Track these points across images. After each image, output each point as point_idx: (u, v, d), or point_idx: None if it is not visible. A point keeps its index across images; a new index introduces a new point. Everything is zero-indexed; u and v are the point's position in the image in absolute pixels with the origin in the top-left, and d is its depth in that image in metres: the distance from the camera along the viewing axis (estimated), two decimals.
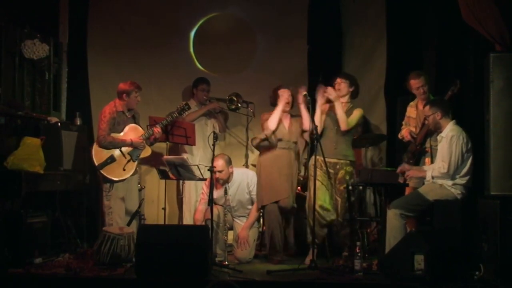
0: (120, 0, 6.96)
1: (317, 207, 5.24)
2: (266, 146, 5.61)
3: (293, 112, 5.68)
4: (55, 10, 6.74)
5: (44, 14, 6.57)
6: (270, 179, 5.51)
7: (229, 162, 5.48)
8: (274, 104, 5.62)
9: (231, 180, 5.53)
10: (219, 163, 5.39)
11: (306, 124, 5.47)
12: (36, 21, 6.30)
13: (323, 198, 5.34)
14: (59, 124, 5.89)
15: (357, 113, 5.47)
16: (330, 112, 5.52)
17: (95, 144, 5.63)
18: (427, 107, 5.04)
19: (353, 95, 5.55)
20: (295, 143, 5.60)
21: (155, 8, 6.92)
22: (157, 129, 5.68)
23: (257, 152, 6.49)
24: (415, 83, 5.47)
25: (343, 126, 5.38)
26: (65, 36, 6.79)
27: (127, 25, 6.89)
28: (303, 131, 5.56)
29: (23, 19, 6.15)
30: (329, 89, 5.39)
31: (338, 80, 5.51)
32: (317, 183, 5.29)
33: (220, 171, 5.39)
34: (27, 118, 5.68)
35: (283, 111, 5.56)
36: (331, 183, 5.38)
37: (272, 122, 5.50)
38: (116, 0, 6.96)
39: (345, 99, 5.53)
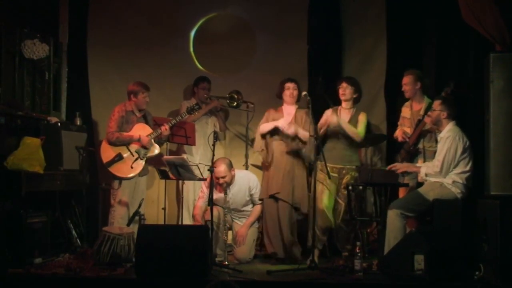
0: (120, 0, 6.96)
1: (321, 211, 5.27)
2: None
3: (300, 104, 5.70)
4: (55, 10, 6.75)
5: (44, 14, 6.57)
6: (268, 174, 5.51)
7: (230, 166, 5.47)
8: (280, 97, 5.65)
9: (233, 182, 5.53)
10: (221, 169, 5.36)
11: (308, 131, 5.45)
12: (36, 21, 6.31)
13: (327, 203, 5.36)
14: (59, 124, 5.89)
15: (363, 120, 5.52)
16: (333, 120, 5.53)
17: (103, 142, 5.75)
18: (438, 102, 5.04)
19: (356, 101, 5.58)
20: (298, 138, 5.55)
21: (155, 8, 6.92)
22: (165, 127, 5.74)
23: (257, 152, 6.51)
24: (404, 79, 5.49)
25: (358, 139, 5.46)
26: (65, 36, 6.79)
27: (127, 25, 6.89)
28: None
29: (23, 19, 6.16)
30: (331, 117, 5.43)
31: (344, 84, 5.53)
32: (322, 187, 5.31)
33: (223, 177, 5.38)
34: (27, 118, 5.69)
35: (288, 104, 5.58)
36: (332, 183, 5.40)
37: (264, 128, 5.52)
38: (116, 0, 6.96)
39: (349, 104, 5.54)
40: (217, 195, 5.41)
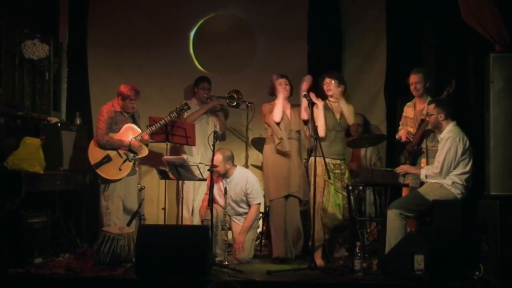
0: (120, 0, 6.96)
1: (330, 209, 5.27)
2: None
3: (292, 101, 5.71)
4: (55, 10, 6.75)
5: (44, 14, 6.58)
6: (279, 172, 5.52)
7: (228, 158, 5.50)
8: (272, 94, 5.67)
9: (230, 175, 5.54)
10: (216, 157, 5.38)
11: (304, 114, 5.48)
12: (36, 21, 6.31)
13: (337, 200, 5.37)
14: (59, 124, 5.88)
15: (351, 109, 5.53)
16: (328, 112, 5.54)
17: (91, 143, 5.66)
18: (432, 105, 5.04)
19: (343, 93, 5.57)
20: (298, 132, 5.61)
21: (155, 8, 6.93)
22: (145, 136, 5.69)
23: (257, 152, 6.51)
24: (412, 78, 5.48)
25: (350, 121, 5.50)
26: (65, 36, 6.79)
27: (127, 25, 6.90)
28: (304, 122, 5.57)
29: (23, 19, 6.16)
30: (318, 101, 5.41)
31: (327, 80, 5.53)
32: (325, 185, 5.31)
33: (215, 166, 5.39)
34: (27, 118, 5.68)
35: (284, 99, 5.60)
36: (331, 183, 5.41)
37: (276, 115, 5.51)
38: (116, 0, 6.96)
39: (337, 98, 5.55)
40: (217, 188, 5.48)
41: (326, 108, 5.52)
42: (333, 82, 5.50)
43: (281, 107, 5.54)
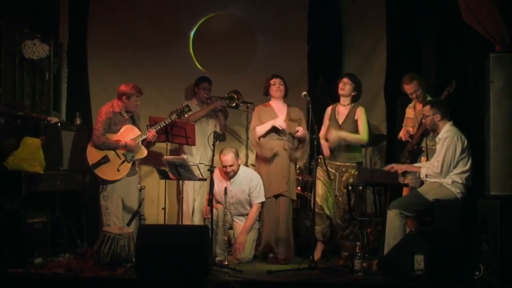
0: (120, 0, 6.96)
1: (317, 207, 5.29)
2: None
3: (290, 101, 5.72)
4: (55, 10, 6.74)
5: (44, 14, 6.57)
6: (268, 173, 5.54)
7: (237, 155, 5.53)
8: (266, 94, 5.70)
9: (238, 172, 5.56)
10: (229, 158, 5.42)
11: (300, 132, 5.50)
12: (36, 21, 6.30)
13: (320, 192, 5.38)
14: (59, 124, 5.88)
15: (362, 117, 5.49)
16: (335, 116, 5.55)
17: (90, 144, 5.64)
18: (427, 107, 5.06)
19: (354, 99, 5.58)
20: (291, 133, 5.59)
21: (155, 8, 6.92)
22: (151, 133, 5.67)
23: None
24: (408, 88, 5.49)
25: (364, 142, 5.53)
26: (65, 36, 6.78)
27: (127, 25, 6.88)
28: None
29: (23, 19, 6.16)
30: (330, 133, 5.45)
31: (345, 79, 5.55)
32: (319, 183, 5.32)
33: (230, 165, 5.43)
34: (27, 118, 5.68)
35: (276, 99, 5.62)
36: (331, 184, 5.41)
37: (259, 131, 5.55)
38: (116, 0, 6.96)
39: (347, 101, 5.55)
40: (222, 185, 5.48)
41: (332, 115, 5.54)
42: (350, 84, 5.51)
43: (268, 128, 5.52)
